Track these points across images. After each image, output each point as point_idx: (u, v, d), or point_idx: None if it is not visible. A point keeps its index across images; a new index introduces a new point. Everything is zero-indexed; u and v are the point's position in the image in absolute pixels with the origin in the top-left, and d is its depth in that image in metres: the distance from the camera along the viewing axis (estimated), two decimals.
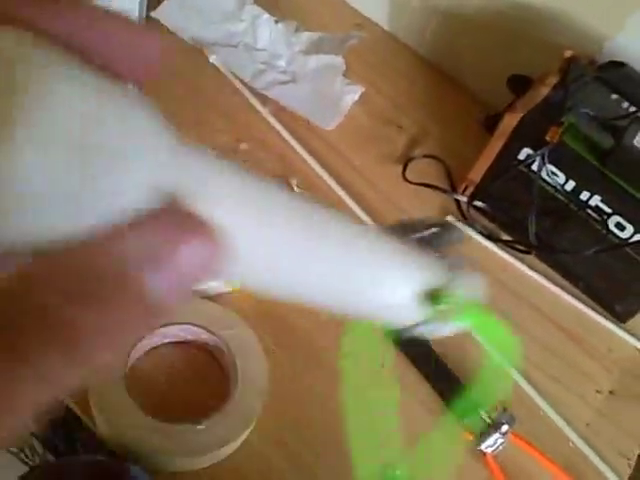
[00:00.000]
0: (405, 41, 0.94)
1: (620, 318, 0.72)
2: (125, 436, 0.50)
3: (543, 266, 0.74)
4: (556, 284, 0.73)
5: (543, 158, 0.67)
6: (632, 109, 0.67)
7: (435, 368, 0.62)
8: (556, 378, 0.66)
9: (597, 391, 0.67)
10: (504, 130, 0.69)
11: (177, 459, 0.51)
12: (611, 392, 0.67)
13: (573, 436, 0.62)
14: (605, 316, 0.72)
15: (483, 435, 0.58)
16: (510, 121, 0.69)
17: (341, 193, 0.73)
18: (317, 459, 0.55)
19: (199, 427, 0.51)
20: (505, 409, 0.60)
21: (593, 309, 0.72)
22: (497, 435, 0.57)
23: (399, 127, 0.84)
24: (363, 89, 0.84)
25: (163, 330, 0.56)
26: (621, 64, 0.70)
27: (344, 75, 0.84)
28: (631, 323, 0.72)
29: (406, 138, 0.83)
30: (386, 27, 0.94)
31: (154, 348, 0.57)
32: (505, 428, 0.57)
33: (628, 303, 0.71)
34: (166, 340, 0.57)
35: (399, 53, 0.93)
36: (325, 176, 0.74)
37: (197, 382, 0.57)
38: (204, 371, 0.57)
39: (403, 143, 0.82)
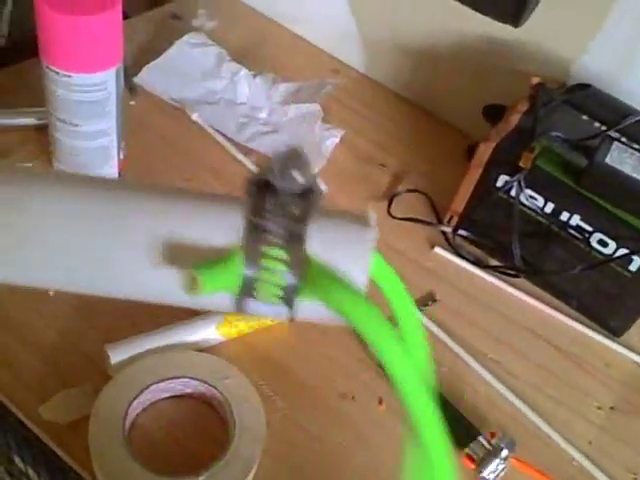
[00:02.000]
0: (382, 82, 0.97)
1: (615, 333, 0.72)
2: None
3: (534, 288, 0.75)
4: (548, 305, 0.74)
5: (520, 184, 0.69)
6: (602, 128, 0.69)
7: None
8: (555, 398, 0.67)
9: (598, 407, 0.67)
10: (480, 159, 0.71)
11: None
12: (612, 408, 0.67)
13: (577, 455, 0.62)
14: (600, 332, 0.72)
15: (484, 462, 0.58)
16: (485, 150, 0.71)
17: None
18: None
19: (200, 479, 0.52)
20: (504, 434, 0.61)
21: (587, 326, 0.73)
22: (497, 461, 0.58)
23: (382, 165, 0.86)
24: (343, 132, 0.86)
25: (161, 386, 0.57)
26: (587, 86, 0.72)
27: (324, 120, 0.87)
28: (626, 337, 0.72)
29: (390, 175, 0.85)
30: (362, 70, 0.97)
31: (153, 403, 0.58)
32: (505, 453, 0.58)
33: (621, 317, 0.72)
34: (164, 395, 0.58)
35: (377, 94, 0.96)
36: None
37: (197, 434, 0.58)
38: (203, 423, 0.58)
39: (387, 180, 0.84)
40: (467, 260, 0.76)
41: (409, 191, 0.82)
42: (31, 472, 0.71)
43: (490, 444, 0.59)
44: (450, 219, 0.78)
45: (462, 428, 0.61)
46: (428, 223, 0.78)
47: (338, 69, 0.97)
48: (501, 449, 0.58)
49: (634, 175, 0.64)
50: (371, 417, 0.62)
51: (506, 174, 0.70)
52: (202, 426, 0.58)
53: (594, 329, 0.73)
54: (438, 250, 0.76)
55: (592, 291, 0.71)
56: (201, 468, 0.53)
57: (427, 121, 0.93)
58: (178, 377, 0.58)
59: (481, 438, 0.60)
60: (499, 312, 0.73)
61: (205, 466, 0.53)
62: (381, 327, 0.28)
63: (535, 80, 0.73)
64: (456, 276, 0.75)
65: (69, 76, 0.61)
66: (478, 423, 0.62)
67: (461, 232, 0.76)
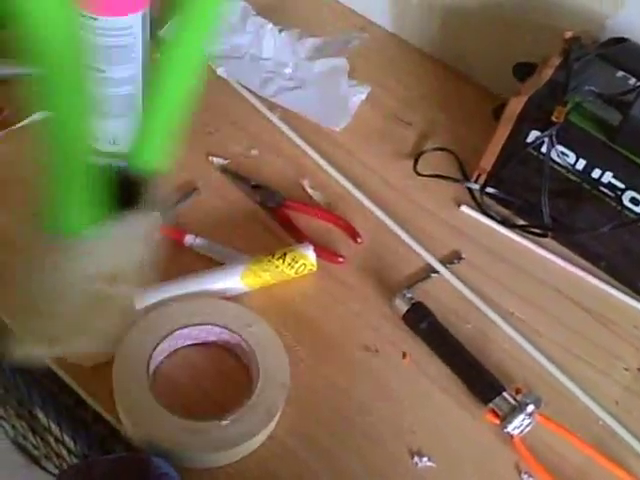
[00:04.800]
0: (409, 40, 0.95)
1: None
2: (152, 435, 0.51)
3: (562, 249, 0.74)
4: (576, 265, 0.72)
5: (551, 139, 0.67)
6: (638, 83, 0.67)
7: (456, 354, 0.62)
8: (581, 358, 0.66)
9: (625, 369, 0.66)
10: (510, 115, 0.70)
11: (204, 455, 0.52)
12: (639, 369, 0.66)
13: (603, 414, 0.61)
14: (628, 294, 0.71)
15: (508, 417, 0.57)
16: (515, 105, 0.69)
17: (354, 191, 0.74)
18: (341, 448, 0.56)
19: (223, 423, 0.52)
20: (530, 391, 0.60)
21: (616, 288, 0.71)
22: (523, 416, 0.57)
23: (408, 124, 0.84)
24: (370, 89, 0.85)
25: (184, 332, 0.57)
26: (623, 39, 0.70)
27: (350, 77, 0.85)
28: None
29: (416, 134, 0.83)
30: (389, 28, 0.95)
31: (177, 350, 0.58)
32: (531, 408, 0.57)
33: None
34: (188, 342, 0.58)
35: (404, 52, 0.94)
36: (336, 175, 0.75)
37: (220, 380, 0.57)
38: (227, 369, 0.58)
39: (413, 139, 0.83)
40: (494, 219, 0.74)
41: (436, 149, 0.80)
42: (53, 426, 0.72)
43: (515, 400, 0.58)
44: (478, 177, 0.76)
45: (486, 383, 0.60)
46: (455, 180, 0.76)
47: (365, 27, 0.95)
48: (526, 404, 0.57)
49: None
50: (394, 370, 0.62)
51: (537, 129, 0.68)
52: (226, 373, 0.58)
53: (623, 291, 0.71)
54: (464, 209, 0.75)
55: (621, 252, 0.70)
56: (223, 413, 0.53)
57: (455, 79, 0.91)
58: (202, 324, 0.58)
59: (506, 394, 0.59)
60: (526, 272, 0.72)
61: (229, 411, 0.53)
62: None
63: (569, 34, 0.71)
64: (482, 235, 0.74)
65: (94, 19, 0.60)
66: (504, 380, 0.61)
67: (489, 190, 0.75)
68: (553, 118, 0.66)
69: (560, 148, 0.68)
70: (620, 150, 0.65)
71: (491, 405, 0.59)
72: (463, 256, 0.71)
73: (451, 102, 0.88)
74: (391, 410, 0.59)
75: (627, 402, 0.63)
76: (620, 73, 0.69)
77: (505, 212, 0.76)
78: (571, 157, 0.68)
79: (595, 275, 0.72)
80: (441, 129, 0.84)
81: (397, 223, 0.72)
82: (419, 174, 0.77)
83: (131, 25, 0.62)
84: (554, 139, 0.67)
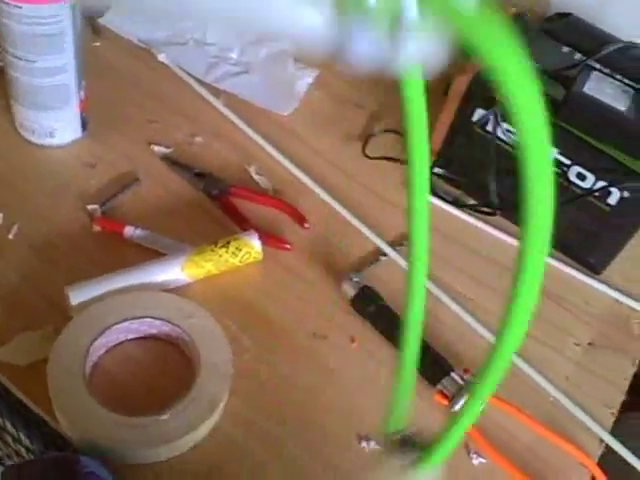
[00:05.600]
0: None
1: (595, 270, 0.71)
2: (89, 434, 0.49)
3: (513, 227, 0.73)
4: None
5: (496, 117, 0.66)
6: (582, 58, 0.66)
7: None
8: (532, 335, 0.65)
9: (576, 344, 0.66)
10: (455, 93, 0.69)
11: (145, 451, 0.50)
12: (590, 344, 0.66)
13: (553, 391, 0.61)
14: (579, 269, 0.71)
15: (456, 397, 0.57)
16: (460, 83, 0.68)
17: (301, 176, 0.73)
18: (289, 436, 0.55)
19: (163, 417, 0.51)
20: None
21: (566, 264, 0.71)
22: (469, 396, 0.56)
23: (358, 106, 0.83)
24: (317, 72, 0.83)
25: (123, 326, 0.56)
26: (567, 15, 0.69)
27: (298, 60, 0.84)
28: (606, 274, 0.71)
29: (366, 116, 0.82)
30: None
31: (115, 345, 0.57)
32: None
33: (601, 253, 0.70)
34: (128, 336, 0.57)
35: None
36: (283, 160, 0.74)
37: (162, 374, 0.56)
38: (169, 363, 0.57)
39: (363, 121, 0.82)
40: (443, 199, 0.74)
41: (386, 131, 0.79)
42: (9, 425, 0.70)
43: (463, 380, 0.58)
44: (433, 157, 0.75)
45: (434, 365, 0.59)
46: (402, 161, 0.75)
47: None
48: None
49: (613, 104, 0.62)
50: (342, 355, 0.61)
51: (482, 107, 0.67)
52: (168, 367, 0.57)
53: (573, 267, 0.71)
54: None
55: (570, 228, 0.70)
56: (165, 407, 0.52)
57: None
58: (141, 317, 0.56)
59: (454, 374, 0.58)
60: (476, 251, 0.71)
61: (170, 405, 0.52)
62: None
63: (512, 10, 0.71)
64: (432, 216, 0.73)
65: (19, 7, 0.58)
66: (454, 361, 0.61)
67: (437, 170, 0.74)
68: (496, 96, 0.65)
69: (505, 126, 0.67)
70: (564, 126, 0.64)
71: (439, 386, 0.58)
72: None
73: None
74: (339, 396, 0.58)
75: (577, 377, 0.63)
76: (565, 48, 0.69)
77: (456, 192, 0.76)
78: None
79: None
80: (393, 111, 0.83)
81: (345, 207, 0.71)
82: (368, 157, 0.76)
83: (58, 14, 0.60)
84: (499, 117, 0.66)
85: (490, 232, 0.72)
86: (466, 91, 0.68)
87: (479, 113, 0.68)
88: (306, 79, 0.82)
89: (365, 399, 0.59)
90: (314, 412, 0.57)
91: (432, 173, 0.74)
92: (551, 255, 0.71)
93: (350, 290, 0.63)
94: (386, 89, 0.85)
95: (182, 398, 0.52)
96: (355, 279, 0.63)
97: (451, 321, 0.65)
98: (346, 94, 0.84)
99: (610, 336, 0.67)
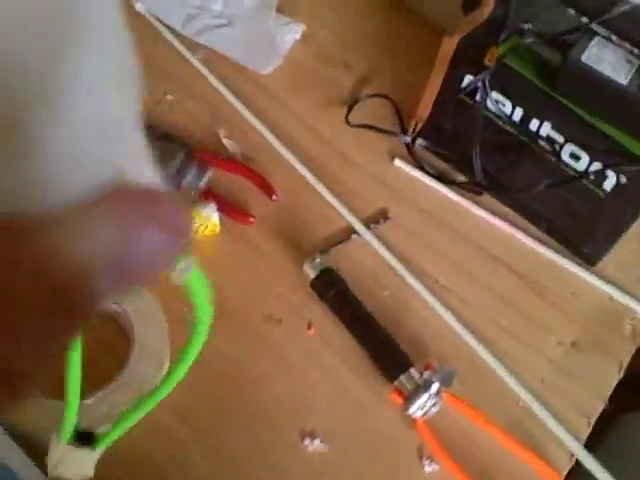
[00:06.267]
0: None
1: (589, 261, 0.64)
2: (10, 418, 0.46)
3: (503, 209, 0.67)
4: (516, 227, 0.66)
5: (484, 84, 0.59)
6: (583, 21, 0.58)
7: (365, 326, 0.56)
8: (508, 330, 0.60)
9: (557, 343, 0.60)
10: (443, 57, 0.62)
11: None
12: (573, 343, 0.60)
13: (524, 394, 0.56)
14: (570, 259, 0.64)
15: (411, 397, 0.52)
16: (448, 45, 0.61)
17: (274, 142, 0.67)
18: (226, 426, 0.51)
19: (86, 402, 0.48)
20: (442, 366, 0.54)
21: (557, 252, 0.65)
22: (426, 396, 0.51)
23: (347, 66, 0.76)
24: (304, 27, 0.77)
25: None
26: None
27: (285, 12, 0.77)
28: (600, 265, 0.64)
29: (354, 78, 0.76)
30: None
31: None
32: (436, 387, 0.52)
33: (595, 243, 0.63)
34: None
35: None
36: (256, 123, 0.68)
37: (99, 352, 0.52)
38: (108, 341, 0.53)
39: (351, 84, 0.75)
40: (428, 174, 0.67)
41: (374, 96, 0.73)
42: None
43: (422, 377, 0.53)
44: (415, 127, 0.69)
45: (394, 359, 0.55)
46: (386, 132, 0.69)
47: None
48: (430, 383, 0.52)
49: (612, 76, 0.54)
50: (296, 342, 0.56)
51: (471, 74, 0.60)
52: (104, 344, 0.53)
53: (565, 255, 0.65)
54: (398, 162, 0.68)
55: (564, 213, 0.63)
56: (94, 390, 0.48)
57: (403, 17, 0.82)
58: None
59: (413, 371, 0.53)
60: (458, 234, 0.65)
61: (97, 388, 0.48)
62: None
63: None
64: (415, 192, 0.67)
65: None
66: (419, 354, 0.56)
67: (422, 142, 0.68)
68: (485, 61, 0.58)
69: (495, 95, 0.60)
70: (559, 98, 0.57)
71: (396, 383, 0.53)
72: (390, 216, 0.65)
73: (397, 42, 0.79)
74: (288, 386, 0.54)
75: (554, 380, 0.58)
76: (571, 11, 0.61)
77: (444, 166, 0.69)
78: (507, 105, 0.60)
79: (536, 238, 0.65)
80: (383, 73, 0.76)
81: (320, 179, 0.66)
82: (350, 124, 0.70)
83: None
84: (487, 84, 0.59)
85: (477, 213, 0.66)
86: (454, 54, 0.61)
87: (468, 79, 0.61)
88: (292, 34, 0.76)
89: (316, 391, 0.54)
90: (258, 402, 0.53)
91: (415, 144, 0.68)
92: (540, 240, 0.65)
93: (311, 271, 0.58)
94: (378, 47, 0.78)
95: (111, 382, 0.49)
96: (318, 259, 0.58)
97: (421, 310, 0.60)
98: (334, 52, 0.77)
99: (597, 336, 0.60)
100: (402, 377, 0.53)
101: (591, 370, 0.58)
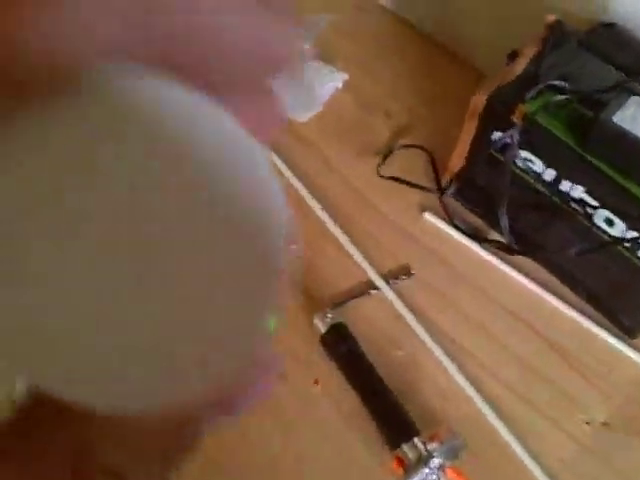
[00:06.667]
0: (406, 16, 0.84)
1: (628, 333, 0.60)
2: None
3: (540, 270, 0.63)
4: (552, 292, 0.62)
5: (512, 142, 0.57)
6: (620, 78, 0.55)
7: (372, 387, 0.54)
8: (532, 403, 0.56)
9: (586, 422, 0.55)
10: (472, 112, 0.60)
11: None
12: (604, 424, 0.55)
13: (541, 476, 0.52)
14: (608, 329, 0.60)
15: (410, 469, 0.49)
16: (478, 101, 0.59)
17: (298, 186, 0.67)
18: None
19: None
20: (451, 438, 0.51)
21: (595, 322, 0.60)
22: (426, 471, 0.49)
23: (387, 115, 0.75)
24: (347, 76, 0.76)
25: None
26: (610, 25, 0.58)
27: (329, 61, 0.77)
28: None
29: (394, 127, 0.74)
30: (386, 4, 0.86)
31: None
32: (436, 462, 0.49)
33: (636, 314, 0.59)
34: None
35: (399, 30, 0.84)
36: (285, 170, 0.68)
37: None
38: None
39: (389, 133, 0.74)
40: (458, 229, 0.65)
41: (408, 146, 0.71)
42: None
43: (427, 448, 0.50)
44: (451, 182, 0.67)
45: (399, 425, 0.52)
46: (415, 185, 0.67)
47: (360, 4, 0.86)
48: (431, 457, 0.49)
49: None
50: (300, 400, 0.55)
51: (500, 130, 0.58)
52: None
53: (603, 325, 0.60)
54: (427, 216, 0.66)
55: (602, 279, 0.59)
56: None
57: (450, 65, 0.81)
58: None
59: (417, 440, 0.51)
60: (487, 295, 0.62)
61: None
62: None
63: (550, 19, 0.60)
64: (443, 248, 0.65)
65: None
66: (429, 422, 0.53)
67: (454, 197, 0.66)
68: (513, 118, 0.55)
69: (525, 154, 0.57)
70: (591, 160, 0.53)
71: (398, 452, 0.51)
72: (413, 272, 0.62)
73: (443, 91, 0.78)
74: (287, 445, 0.52)
75: (575, 462, 0.53)
76: (611, 68, 0.58)
77: (478, 223, 0.67)
78: (538, 164, 0.57)
79: (572, 305, 0.61)
80: (424, 123, 0.75)
81: (343, 228, 0.65)
82: (381, 175, 0.69)
83: None
84: (515, 142, 0.57)
85: (510, 274, 0.62)
86: (483, 110, 0.59)
87: (497, 135, 0.58)
88: (333, 83, 0.75)
89: (316, 453, 0.52)
90: (253, 466, 0.52)
91: (444, 197, 0.66)
92: (576, 307, 0.61)
93: (321, 325, 0.57)
94: (422, 99, 0.77)
95: None
96: (329, 314, 0.57)
97: (436, 374, 0.57)
98: (376, 101, 0.76)
99: (633, 418, 0.55)
100: (404, 446, 0.50)
101: (621, 454, 0.53)
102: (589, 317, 0.60)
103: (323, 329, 0.56)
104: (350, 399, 0.54)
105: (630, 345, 0.59)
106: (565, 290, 0.62)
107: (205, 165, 0.13)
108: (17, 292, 0.12)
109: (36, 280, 0.12)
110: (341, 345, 0.56)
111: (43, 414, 0.15)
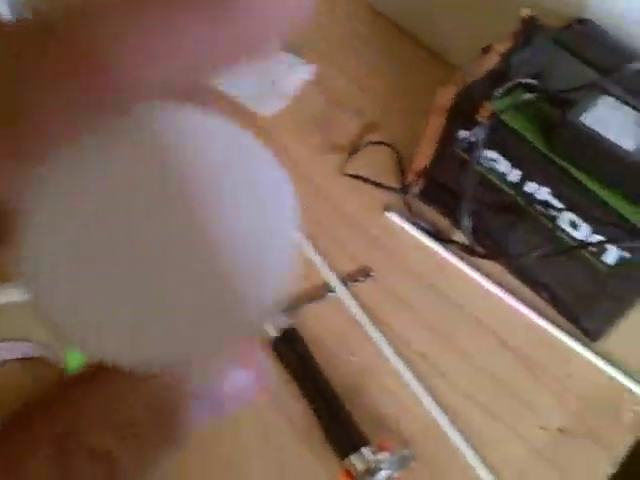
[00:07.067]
0: (379, 7, 0.82)
1: (590, 336, 0.58)
2: None
3: (503, 273, 0.61)
4: (514, 294, 0.60)
5: (477, 141, 0.55)
6: (592, 76, 0.53)
7: (322, 394, 0.52)
8: (488, 409, 0.54)
9: (541, 427, 0.54)
10: (437, 108, 0.58)
11: None
12: (560, 430, 0.54)
13: None
14: (570, 333, 0.58)
15: (360, 478, 0.47)
16: (444, 96, 0.57)
17: None
18: None
19: None
20: (400, 448, 0.49)
21: (556, 324, 0.59)
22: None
23: (359, 112, 0.73)
24: (314, 68, 0.74)
25: (5, 345, 0.51)
26: (585, 21, 0.56)
27: (301, 55, 0.75)
28: (602, 343, 0.58)
29: (364, 124, 0.72)
30: None
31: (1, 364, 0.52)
32: (385, 474, 0.47)
33: (597, 318, 0.57)
34: (13, 356, 0.52)
35: (372, 22, 0.82)
36: None
37: None
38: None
39: (358, 130, 0.72)
40: (422, 230, 0.63)
41: (375, 143, 0.69)
42: None
43: (376, 457, 0.48)
44: (415, 180, 0.65)
45: (346, 435, 0.50)
46: (378, 184, 0.65)
47: None
48: (378, 469, 0.47)
49: (618, 142, 0.49)
50: (248, 407, 0.53)
51: (466, 128, 0.56)
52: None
53: (565, 329, 0.58)
54: (389, 215, 0.64)
55: (565, 283, 0.57)
56: None
57: (426, 61, 0.78)
58: (25, 340, 0.51)
59: (366, 450, 0.49)
60: (446, 297, 0.60)
61: None
62: None
63: (525, 12, 0.58)
64: (405, 248, 0.63)
65: None
66: (379, 430, 0.51)
67: (417, 196, 0.64)
68: (477, 117, 0.53)
69: (490, 153, 0.55)
70: (557, 161, 0.52)
71: (346, 462, 0.49)
72: (372, 274, 0.60)
73: (417, 87, 0.75)
74: (230, 455, 0.50)
75: (531, 470, 0.51)
76: (586, 68, 0.56)
77: (444, 224, 0.65)
78: (503, 165, 0.55)
79: (535, 309, 0.59)
80: (394, 118, 0.72)
81: (301, 229, 0.62)
82: (345, 173, 0.67)
83: None
84: (480, 141, 0.55)
85: (472, 276, 0.61)
86: (451, 106, 0.57)
87: (462, 134, 0.56)
88: (298, 75, 0.73)
89: (260, 462, 0.50)
90: (193, 468, 0.50)
91: (407, 196, 0.64)
92: (540, 311, 0.59)
93: (272, 331, 0.55)
94: (397, 95, 0.75)
95: None
96: (281, 318, 0.55)
97: (389, 380, 0.55)
98: (348, 97, 0.74)
99: (591, 422, 0.54)
100: (352, 456, 0.48)
101: (578, 462, 0.52)
102: (550, 320, 0.59)
103: (274, 334, 0.54)
104: (301, 405, 0.53)
105: (590, 349, 0.57)
106: (527, 292, 0.61)
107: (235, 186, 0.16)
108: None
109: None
110: (291, 351, 0.54)
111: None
